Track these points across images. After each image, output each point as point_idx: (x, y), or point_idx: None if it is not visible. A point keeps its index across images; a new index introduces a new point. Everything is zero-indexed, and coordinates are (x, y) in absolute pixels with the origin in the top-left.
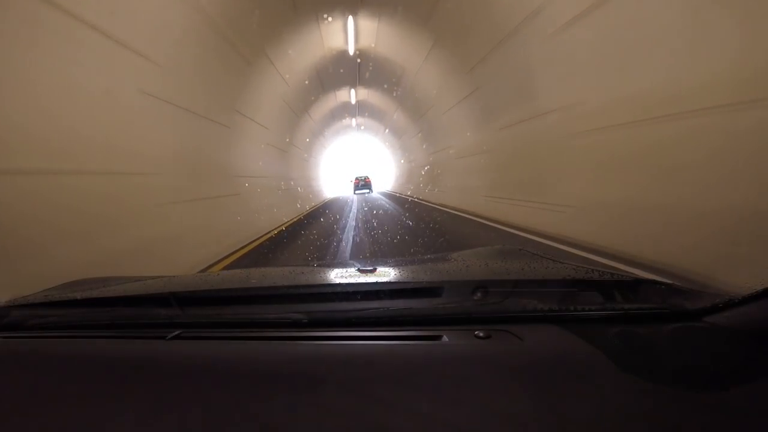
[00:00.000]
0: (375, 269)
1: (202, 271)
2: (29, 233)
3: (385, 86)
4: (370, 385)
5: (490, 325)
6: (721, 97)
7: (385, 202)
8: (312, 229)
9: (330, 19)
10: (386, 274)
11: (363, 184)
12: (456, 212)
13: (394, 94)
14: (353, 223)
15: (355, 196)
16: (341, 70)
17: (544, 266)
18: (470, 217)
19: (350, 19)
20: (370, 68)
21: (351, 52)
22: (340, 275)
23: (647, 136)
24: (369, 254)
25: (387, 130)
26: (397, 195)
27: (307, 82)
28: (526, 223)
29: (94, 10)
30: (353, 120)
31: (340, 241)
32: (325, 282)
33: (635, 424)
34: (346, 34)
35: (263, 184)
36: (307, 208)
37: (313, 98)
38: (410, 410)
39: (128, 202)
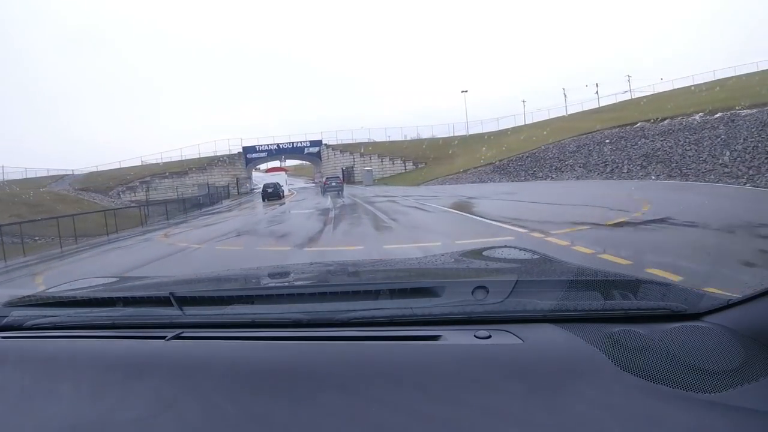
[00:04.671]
0: (375, 269)
1: None
2: None
3: None
4: (370, 385)
5: (490, 325)
6: None
7: None
8: None
9: None
10: (386, 274)
11: (335, 183)
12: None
13: None
14: None
15: None
16: None
17: (544, 266)
18: None
19: None
20: None
21: None
22: (339, 275)
23: None
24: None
25: None
26: None
27: None
28: None
29: None
30: None
31: None
32: (324, 282)
33: (635, 424)
34: None
35: None
36: None
37: None
38: (410, 410)
39: None
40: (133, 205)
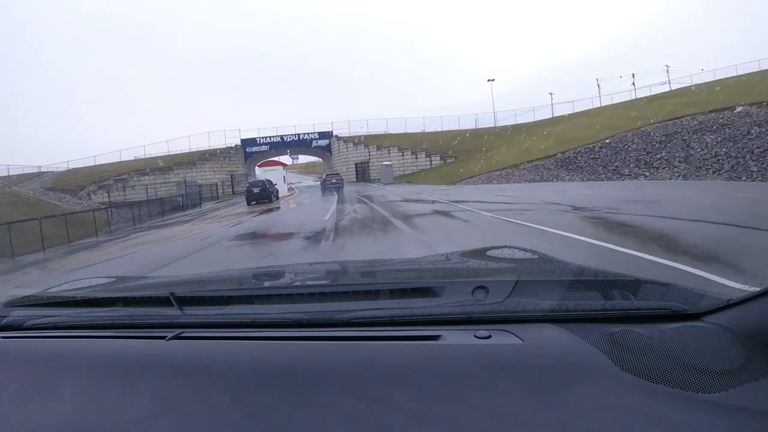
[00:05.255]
0: (375, 269)
1: None
2: None
3: None
4: (370, 385)
5: (490, 325)
6: None
7: None
8: None
9: None
10: (386, 274)
11: (335, 180)
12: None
13: None
14: None
15: None
16: None
17: (544, 266)
18: None
19: None
20: None
21: None
22: (339, 275)
23: None
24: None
25: None
26: None
27: None
28: None
29: None
30: None
31: None
32: (325, 282)
33: (635, 424)
34: None
35: None
36: None
37: None
38: (410, 410)
39: None
40: (101, 207)
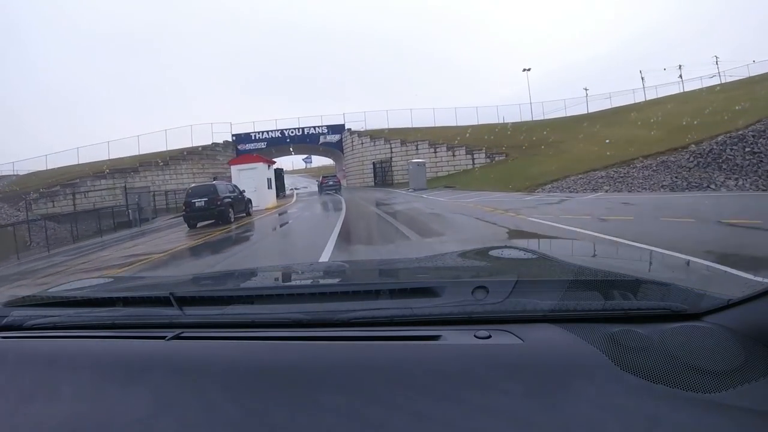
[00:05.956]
0: (375, 269)
1: None
2: None
3: None
4: (370, 385)
5: (490, 325)
6: None
7: None
8: None
9: None
10: (386, 273)
11: (332, 183)
12: None
13: None
14: None
15: None
16: None
17: (545, 266)
18: None
19: None
20: None
21: None
22: (339, 275)
23: None
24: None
25: None
26: None
27: None
28: None
29: None
30: None
31: None
32: (325, 282)
33: (635, 424)
34: None
35: None
36: None
37: None
38: (410, 410)
39: None
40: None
